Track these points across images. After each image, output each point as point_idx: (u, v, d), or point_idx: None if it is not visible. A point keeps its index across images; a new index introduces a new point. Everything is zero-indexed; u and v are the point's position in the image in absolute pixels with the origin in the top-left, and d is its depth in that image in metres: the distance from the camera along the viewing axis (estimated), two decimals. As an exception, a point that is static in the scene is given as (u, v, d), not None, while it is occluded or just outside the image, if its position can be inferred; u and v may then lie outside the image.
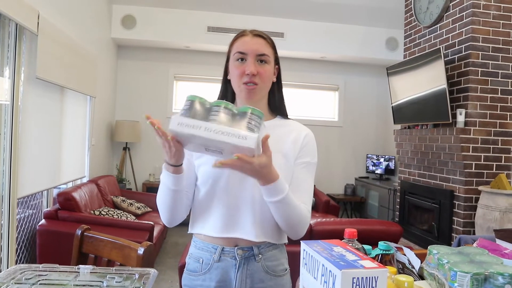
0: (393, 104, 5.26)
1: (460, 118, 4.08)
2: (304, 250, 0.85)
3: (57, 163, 3.75)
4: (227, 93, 1.35)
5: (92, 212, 3.75)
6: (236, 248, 1.22)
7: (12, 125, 2.91)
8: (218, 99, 1.31)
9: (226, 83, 1.34)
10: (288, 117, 1.37)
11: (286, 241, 1.30)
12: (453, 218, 4.27)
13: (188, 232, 1.29)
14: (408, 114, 4.97)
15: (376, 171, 6.28)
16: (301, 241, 0.87)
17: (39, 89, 3.28)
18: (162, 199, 1.21)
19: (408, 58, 5.05)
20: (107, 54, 5.37)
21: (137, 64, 5.97)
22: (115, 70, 5.86)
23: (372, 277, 0.67)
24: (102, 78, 5.04)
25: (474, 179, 4.14)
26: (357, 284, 0.67)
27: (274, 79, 1.32)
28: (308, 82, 6.36)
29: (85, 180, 4.54)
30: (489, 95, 4.10)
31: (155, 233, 3.75)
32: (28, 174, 3.14)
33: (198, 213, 1.27)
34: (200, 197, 1.26)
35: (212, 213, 1.24)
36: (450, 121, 4.15)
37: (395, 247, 1.02)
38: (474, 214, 4.05)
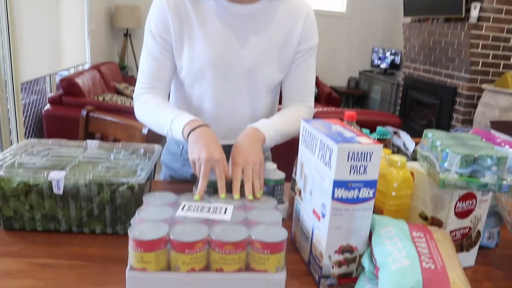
0: (405, -4, 5.00)
1: (474, 13, 3.91)
2: (303, 127, 0.88)
3: (57, 48, 3.69)
4: None
5: (96, 97, 3.78)
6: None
7: (7, 9, 2.81)
8: None
9: None
10: None
11: None
12: (453, 114, 4.31)
13: None
14: (419, 6, 4.75)
15: (381, 65, 6.19)
16: (301, 119, 0.89)
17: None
18: (147, 122, 1.15)
19: None
20: None
21: None
22: None
23: (367, 152, 0.71)
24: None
25: (479, 77, 4.10)
26: (352, 158, 0.70)
27: None
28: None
29: (86, 66, 4.51)
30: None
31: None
32: (28, 59, 3.11)
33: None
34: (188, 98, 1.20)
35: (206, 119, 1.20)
36: (463, 15, 3.98)
37: (392, 131, 1.05)
38: (474, 111, 4.08)
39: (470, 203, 0.86)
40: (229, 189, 0.92)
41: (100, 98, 3.80)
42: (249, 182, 0.92)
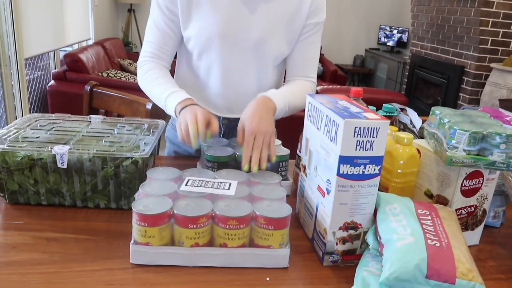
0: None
1: (484, -10, 3.82)
2: (309, 102, 0.87)
3: (60, 24, 3.65)
4: None
5: (100, 74, 3.76)
6: (221, 118, 1.23)
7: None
8: None
9: None
10: None
11: None
12: (460, 94, 4.26)
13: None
14: (429, -17, 4.65)
15: (388, 43, 6.10)
16: (307, 94, 0.88)
17: None
18: (147, 93, 1.15)
19: None
20: None
21: None
22: None
23: (373, 128, 0.69)
24: None
25: (488, 56, 4.03)
26: (359, 133, 0.69)
27: None
28: None
29: (90, 42, 4.47)
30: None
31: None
32: (32, 34, 3.08)
33: (190, 85, 1.19)
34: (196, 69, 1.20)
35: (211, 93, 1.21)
36: (473, -9, 3.90)
37: (399, 108, 1.04)
38: (481, 91, 4.03)
39: (477, 182, 0.85)
40: (227, 165, 0.91)
41: (104, 74, 3.78)
42: (258, 151, 0.92)
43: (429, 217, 0.74)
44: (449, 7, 4.33)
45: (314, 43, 1.20)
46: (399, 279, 0.64)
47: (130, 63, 4.43)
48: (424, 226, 0.72)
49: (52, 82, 3.46)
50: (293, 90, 1.15)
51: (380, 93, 2.97)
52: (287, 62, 1.23)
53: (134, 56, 4.91)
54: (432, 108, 0.93)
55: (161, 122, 1.11)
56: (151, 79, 1.12)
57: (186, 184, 0.81)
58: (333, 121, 0.72)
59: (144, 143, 0.96)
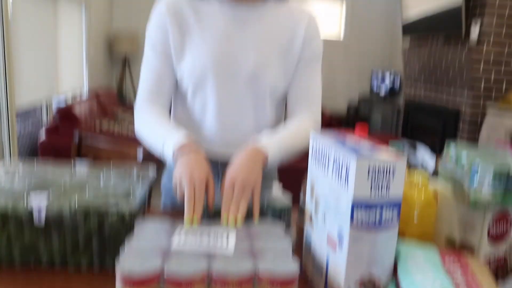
0: (403, 15, 5.01)
1: (474, 32, 3.88)
2: (313, 141, 0.79)
3: (54, 75, 3.65)
4: None
5: (93, 125, 3.71)
6: (219, 164, 1.14)
7: (4, 36, 2.78)
8: None
9: None
10: None
11: None
12: (457, 138, 4.23)
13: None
14: (418, 25, 4.75)
15: (381, 89, 6.14)
16: (311, 133, 0.80)
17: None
18: (145, 143, 1.09)
19: (422, -33, 4.70)
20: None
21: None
22: (110, -23, 5.51)
23: (390, 166, 0.61)
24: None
25: (482, 98, 4.04)
26: (373, 174, 0.61)
27: None
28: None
29: (84, 92, 4.46)
30: (507, 11, 3.86)
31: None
32: (25, 86, 3.06)
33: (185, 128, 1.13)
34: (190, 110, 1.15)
35: (207, 130, 1.14)
36: (463, 34, 3.95)
37: (409, 144, 0.96)
38: (479, 134, 4.00)
39: (505, 225, 0.76)
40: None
41: (97, 126, 3.73)
42: (236, 204, 0.83)
43: (459, 268, 0.65)
44: (440, 51, 4.39)
45: (313, 75, 1.15)
46: None
47: (123, 114, 4.40)
48: (454, 279, 0.62)
49: (43, 135, 3.39)
50: (293, 131, 1.08)
51: (379, 138, 2.93)
52: (287, 98, 1.17)
53: (128, 107, 4.89)
54: (446, 143, 0.85)
55: (151, 169, 1.02)
56: (147, 125, 1.07)
57: (178, 240, 0.72)
58: (343, 161, 0.64)
59: (133, 193, 0.87)
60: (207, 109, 1.12)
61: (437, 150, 4.34)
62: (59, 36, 3.72)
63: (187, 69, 1.08)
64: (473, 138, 4.08)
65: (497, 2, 3.80)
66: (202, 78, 1.08)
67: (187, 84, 1.10)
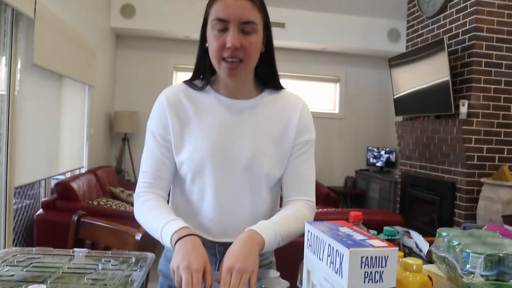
0: (395, 96, 5.21)
1: (463, 110, 4.03)
2: (308, 231, 0.81)
3: (55, 153, 3.71)
4: (204, 65, 1.15)
5: (91, 202, 3.71)
6: (217, 245, 1.16)
7: (9, 114, 2.87)
8: (193, 72, 1.18)
9: (204, 52, 1.14)
10: (281, 86, 1.21)
11: None
12: (455, 210, 4.23)
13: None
14: (410, 106, 4.92)
15: (377, 164, 6.24)
16: (306, 222, 0.83)
17: (37, 77, 3.23)
18: (143, 226, 1.12)
19: (410, 49, 4.98)
20: (106, 43, 5.30)
21: (136, 54, 5.89)
22: (114, 60, 5.79)
23: (382, 257, 0.63)
24: (100, 68, 4.98)
25: (476, 171, 4.10)
26: (366, 263, 0.63)
27: (263, 49, 1.12)
28: (309, 73, 6.30)
29: (83, 170, 4.50)
30: (492, 86, 4.05)
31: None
32: (25, 163, 3.10)
33: (183, 212, 1.16)
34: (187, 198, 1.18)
35: (203, 216, 1.16)
36: (453, 112, 4.10)
37: (402, 231, 0.99)
38: (476, 206, 4.01)
39: (500, 312, 0.77)
40: None
41: (95, 203, 3.73)
42: None
43: None
44: (432, 127, 4.52)
45: (306, 162, 1.19)
46: None
47: (122, 191, 4.41)
48: None
49: (40, 211, 3.38)
50: (288, 216, 1.10)
51: (376, 214, 2.93)
52: (282, 183, 1.21)
53: (126, 184, 4.91)
54: (438, 230, 0.88)
55: (150, 255, 1.03)
56: (147, 210, 1.10)
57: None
58: (337, 251, 0.66)
59: (131, 280, 0.87)
60: (205, 194, 1.15)
61: (436, 224, 4.32)
62: (62, 116, 3.84)
63: (186, 158, 1.13)
64: (471, 209, 4.09)
65: (482, 79, 4.01)
66: (201, 166, 1.12)
67: (186, 171, 1.14)
